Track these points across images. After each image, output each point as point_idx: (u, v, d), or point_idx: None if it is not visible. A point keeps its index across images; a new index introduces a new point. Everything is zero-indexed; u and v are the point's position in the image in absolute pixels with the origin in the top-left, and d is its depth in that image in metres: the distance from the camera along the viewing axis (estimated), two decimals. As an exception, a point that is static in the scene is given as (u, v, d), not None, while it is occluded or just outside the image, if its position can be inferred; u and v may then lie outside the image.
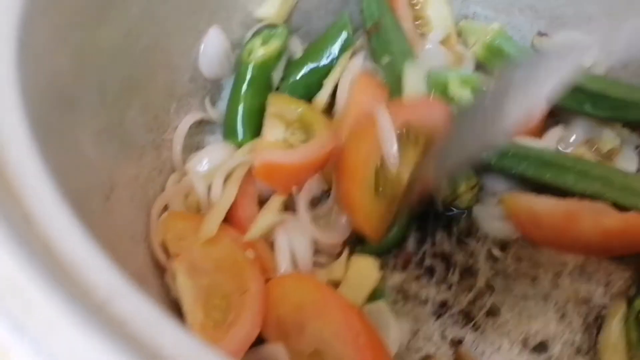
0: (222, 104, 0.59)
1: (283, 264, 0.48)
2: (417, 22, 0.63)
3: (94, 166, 0.41)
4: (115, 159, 0.45)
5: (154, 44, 0.49)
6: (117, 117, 0.46)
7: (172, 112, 0.54)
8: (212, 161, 0.54)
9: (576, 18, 0.62)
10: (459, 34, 0.65)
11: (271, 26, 0.59)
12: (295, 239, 0.49)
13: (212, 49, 0.56)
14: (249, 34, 0.59)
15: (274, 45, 0.56)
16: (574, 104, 0.56)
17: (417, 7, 0.63)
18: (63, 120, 0.35)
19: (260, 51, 0.56)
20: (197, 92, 0.57)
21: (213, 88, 0.59)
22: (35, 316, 0.18)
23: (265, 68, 0.56)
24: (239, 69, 0.57)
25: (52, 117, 0.33)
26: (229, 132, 0.56)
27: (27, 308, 0.18)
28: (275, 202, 0.50)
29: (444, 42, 0.63)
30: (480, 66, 0.62)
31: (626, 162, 0.57)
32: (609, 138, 0.58)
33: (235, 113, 0.56)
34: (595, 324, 0.49)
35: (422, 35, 0.63)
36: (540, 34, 0.64)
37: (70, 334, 0.18)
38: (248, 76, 0.55)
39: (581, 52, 0.58)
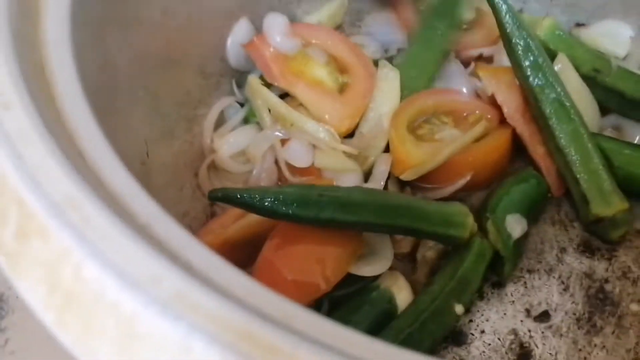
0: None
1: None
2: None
3: (131, 131, 0.45)
4: (150, 126, 0.49)
5: (188, 23, 0.53)
6: (153, 89, 0.49)
7: (203, 89, 0.58)
8: (239, 144, 0.58)
9: (591, 5, 0.64)
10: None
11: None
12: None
13: (239, 41, 0.60)
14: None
15: None
16: (622, 111, 0.59)
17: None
18: (110, 88, 0.39)
19: None
20: (227, 72, 0.61)
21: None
22: (91, 226, 0.22)
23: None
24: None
25: (101, 84, 0.37)
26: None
27: (85, 220, 0.22)
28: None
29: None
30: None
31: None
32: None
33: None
34: (597, 297, 0.52)
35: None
36: (578, 25, 0.65)
37: (121, 241, 0.22)
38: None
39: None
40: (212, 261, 0.23)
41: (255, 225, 0.50)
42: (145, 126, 0.48)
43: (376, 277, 0.50)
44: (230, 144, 0.57)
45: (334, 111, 0.56)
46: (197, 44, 0.56)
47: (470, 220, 0.51)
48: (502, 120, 0.57)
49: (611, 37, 0.63)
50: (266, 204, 0.45)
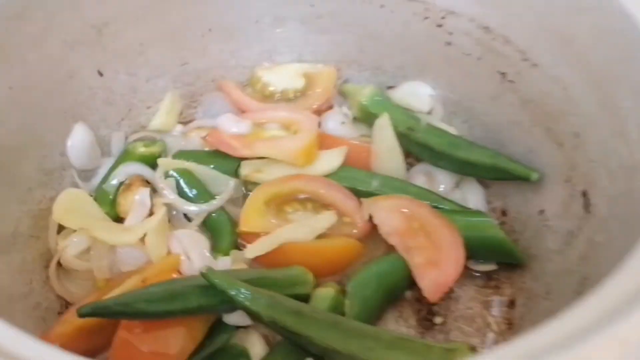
0: (96, 180, 0.66)
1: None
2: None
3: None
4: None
5: (22, 126, 0.56)
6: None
7: (46, 184, 0.61)
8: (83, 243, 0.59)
9: (391, 67, 0.74)
10: (342, 95, 0.74)
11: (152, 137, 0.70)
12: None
13: (79, 143, 0.64)
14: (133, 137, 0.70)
15: (153, 149, 0.67)
16: (432, 161, 0.67)
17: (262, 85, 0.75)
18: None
19: (141, 149, 0.66)
20: (69, 166, 0.64)
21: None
22: None
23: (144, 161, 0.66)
24: (123, 155, 0.66)
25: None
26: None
27: None
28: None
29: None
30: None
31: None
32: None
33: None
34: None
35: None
36: (389, 87, 0.74)
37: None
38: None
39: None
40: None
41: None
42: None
43: (232, 336, 0.55)
44: (75, 243, 0.59)
45: (292, 145, 0.65)
46: (35, 143, 0.59)
47: (311, 277, 0.57)
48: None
49: (415, 96, 0.72)
50: (137, 307, 0.49)
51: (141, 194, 0.60)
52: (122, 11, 0.63)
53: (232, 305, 0.51)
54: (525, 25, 0.58)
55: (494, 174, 0.64)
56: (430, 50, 0.69)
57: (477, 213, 0.63)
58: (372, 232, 0.62)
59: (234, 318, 0.53)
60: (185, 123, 0.73)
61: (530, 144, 0.62)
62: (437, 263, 0.58)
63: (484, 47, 0.64)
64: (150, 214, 0.61)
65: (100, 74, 0.65)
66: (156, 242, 0.57)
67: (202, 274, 0.50)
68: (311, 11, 0.72)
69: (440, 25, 0.66)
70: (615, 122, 0.48)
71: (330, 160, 0.66)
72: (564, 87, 0.56)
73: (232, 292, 0.49)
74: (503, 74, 0.63)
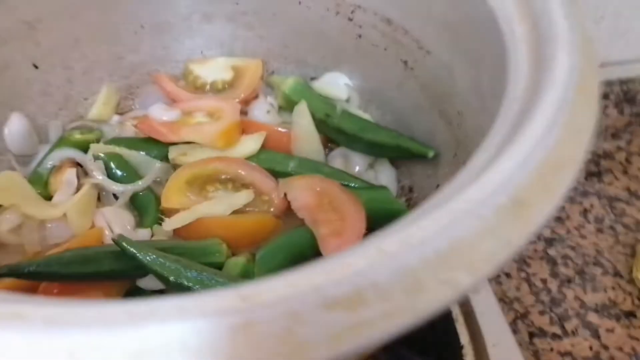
0: (33, 165, 0.70)
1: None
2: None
3: None
4: None
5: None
6: None
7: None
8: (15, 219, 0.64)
9: (313, 59, 0.79)
10: (269, 86, 0.80)
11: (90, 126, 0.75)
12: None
13: (15, 130, 0.69)
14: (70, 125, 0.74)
15: (88, 136, 0.72)
16: (347, 144, 0.73)
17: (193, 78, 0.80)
18: None
19: (77, 136, 0.71)
20: (6, 151, 0.69)
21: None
22: None
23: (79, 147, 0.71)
24: (58, 141, 0.71)
25: None
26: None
27: None
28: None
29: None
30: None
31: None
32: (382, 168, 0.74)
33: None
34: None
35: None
36: (312, 79, 0.80)
37: None
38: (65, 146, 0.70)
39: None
40: None
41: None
42: None
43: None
44: (7, 220, 0.64)
45: (212, 130, 0.71)
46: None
47: (224, 248, 0.62)
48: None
49: (334, 85, 0.78)
50: (52, 269, 0.54)
51: (69, 174, 0.65)
52: (54, 8, 0.69)
53: (144, 270, 0.56)
54: (417, 16, 0.64)
55: (398, 153, 0.70)
56: (345, 43, 0.75)
57: (380, 188, 0.68)
58: (288, 209, 0.67)
59: (147, 282, 0.58)
60: (122, 114, 0.79)
61: (429, 125, 0.68)
62: (340, 233, 0.63)
63: (388, 38, 0.69)
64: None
65: (36, 67, 0.70)
66: (78, 216, 0.62)
67: (114, 240, 0.55)
68: (236, 9, 0.78)
69: (350, 19, 0.72)
70: (480, 99, 0.54)
71: (250, 144, 0.71)
72: (450, 71, 0.61)
73: (140, 256, 0.55)
74: (405, 62, 0.69)
